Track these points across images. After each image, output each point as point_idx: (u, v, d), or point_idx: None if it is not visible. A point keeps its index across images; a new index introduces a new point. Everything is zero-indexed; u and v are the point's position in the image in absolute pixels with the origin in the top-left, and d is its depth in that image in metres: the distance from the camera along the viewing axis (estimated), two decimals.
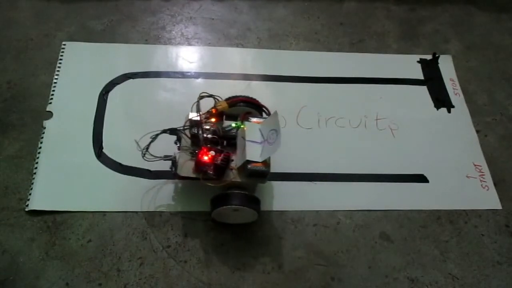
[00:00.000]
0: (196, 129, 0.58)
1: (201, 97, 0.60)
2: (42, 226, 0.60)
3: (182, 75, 0.76)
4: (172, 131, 0.59)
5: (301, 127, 0.73)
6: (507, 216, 0.66)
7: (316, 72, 0.79)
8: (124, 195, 0.63)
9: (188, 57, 0.79)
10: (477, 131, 0.75)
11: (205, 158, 0.55)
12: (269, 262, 0.60)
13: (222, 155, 0.56)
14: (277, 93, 0.76)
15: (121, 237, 0.60)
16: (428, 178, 0.69)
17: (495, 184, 0.69)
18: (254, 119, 0.60)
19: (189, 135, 0.58)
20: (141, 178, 0.64)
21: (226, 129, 0.60)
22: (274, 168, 0.67)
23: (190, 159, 0.57)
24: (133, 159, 0.66)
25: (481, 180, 0.70)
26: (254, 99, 0.64)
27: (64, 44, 0.77)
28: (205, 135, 0.58)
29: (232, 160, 0.58)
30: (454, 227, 0.65)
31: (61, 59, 0.75)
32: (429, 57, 0.84)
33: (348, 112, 0.75)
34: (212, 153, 0.56)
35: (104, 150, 0.66)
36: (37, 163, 0.64)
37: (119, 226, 0.60)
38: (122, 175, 0.64)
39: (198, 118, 0.58)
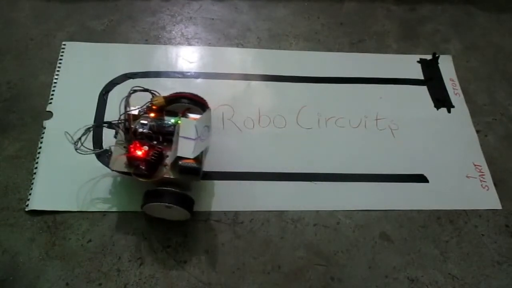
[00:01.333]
0: (129, 124, 0.57)
1: (133, 91, 0.59)
2: (42, 226, 0.60)
3: (182, 75, 0.76)
4: (109, 125, 0.58)
5: (301, 127, 0.73)
6: (507, 216, 0.66)
7: (316, 72, 0.79)
8: (124, 195, 0.63)
9: (188, 57, 0.79)
10: (477, 131, 0.75)
11: (138, 152, 0.55)
12: (269, 262, 0.60)
13: (153, 150, 0.55)
14: (277, 93, 0.76)
15: (121, 237, 0.60)
16: (428, 178, 0.69)
17: (495, 184, 0.69)
18: (191, 115, 0.60)
19: (123, 129, 0.58)
20: (141, 178, 0.64)
21: (164, 124, 0.59)
22: (274, 168, 0.67)
23: (124, 153, 0.57)
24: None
25: (481, 180, 0.70)
26: (195, 96, 0.62)
27: (64, 44, 0.77)
28: (140, 130, 0.57)
29: (167, 156, 0.57)
30: (454, 227, 0.65)
31: (61, 59, 0.75)
32: (429, 57, 0.84)
33: (348, 112, 0.75)
34: (145, 148, 0.55)
35: None
36: (37, 163, 0.64)
37: (119, 226, 0.61)
38: (122, 175, 0.64)
39: (135, 113, 0.58)
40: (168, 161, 0.57)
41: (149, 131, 0.58)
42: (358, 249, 0.62)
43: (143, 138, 0.57)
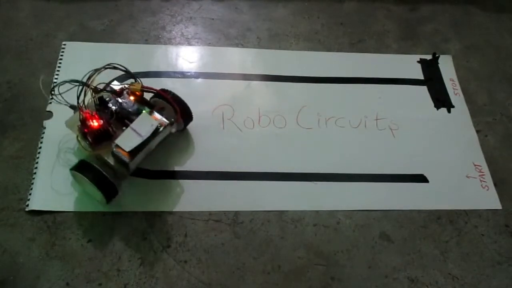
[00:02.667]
0: (107, 97, 0.59)
1: (113, 67, 0.60)
2: (42, 226, 0.60)
3: (182, 75, 0.76)
4: (81, 84, 0.58)
5: (301, 127, 0.73)
6: (507, 216, 0.66)
7: (316, 72, 0.79)
8: (124, 195, 0.63)
9: (188, 57, 0.79)
10: (477, 131, 0.75)
11: (94, 123, 0.56)
12: (269, 262, 0.60)
13: (106, 127, 0.56)
14: (277, 93, 0.76)
15: (121, 237, 0.60)
16: (428, 178, 0.69)
17: (495, 184, 0.69)
18: (156, 114, 0.59)
19: (97, 97, 0.59)
20: (141, 178, 0.64)
21: (130, 109, 0.60)
22: (274, 168, 0.67)
23: (81, 117, 0.58)
24: None
25: (481, 180, 0.70)
26: (169, 95, 0.62)
27: (64, 44, 0.77)
28: (110, 105, 0.59)
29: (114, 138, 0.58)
30: (454, 227, 0.65)
31: (61, 59, 0.75)
32: (429, 57, 0.84)
33: (348, 112, 0.75)
34: (101, 122, 0.56)
35: None
36: (37, 163, 0.64)
37: (119, 226, 0.61)
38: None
39: (116, 88, 0.60)
40: (112, 144, 0.57)
41: (116, 109, 0.59)
42: (358, 249, 0.62)
43: (108, 114, 0.58)
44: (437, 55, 0.84)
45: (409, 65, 0.83)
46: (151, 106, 0.61)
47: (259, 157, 0.68)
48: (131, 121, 0.58)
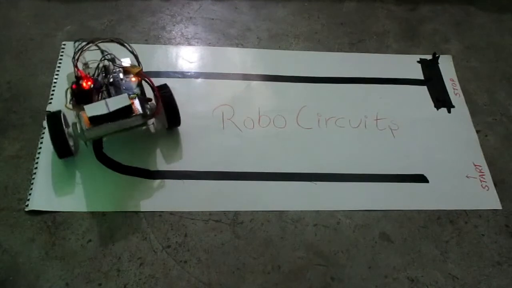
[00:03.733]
0: (113, 69, 0.63)
1: (120, 43, 0.63)
2: (42, 226, 0.60)
3: (182, 75, 0.76)
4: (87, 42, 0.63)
5: (301, 127, 0.73)
6: (507, 216, 0.66)
7: (316, 72, 0.79)
8: (124, 195, 0.63)
9: (188, 57, 0.79)
10: (477, 131, 0.75)
11: (83, 82, 0.59)
12: (269, 262, 0.60)
13: (89, 90, 0.59)
14: (277, 93, 0.76)
15: (121, 237, 0.60)
16: (428, 178, 0.69)
17: (495, 184, 0.69)
18: (136, 101, 0.60)
19: (103, 64, 0.63)
20: (141, 178, 0.64)
21: (122, 86, 0.62)
22: (274, 168, 0.67)
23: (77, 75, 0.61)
24: (133, 159, 0.66)
25: (481, 180, 0.70)
26: (161, 92, 0.63)
27: (64, 44, 0.77)
28: (110, 77, 0.62)
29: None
30: (454, 227, 0.65)
31: (61, 59, 0.75)
32: (429, 57, 0.84)
33: (348, 112, 0.75)
34: (90, 85, 0.59)
35: (104, 150, 0.66)
36: (37, 163, 0.64)
37: (119, 226, 0.61)
38: (122, 175, 0.64)
39: (126, 65, 0.64)
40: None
41: (110, 82, 0.62)
42: (358, 249, 0.62)
43: (102, 82, 0.61)
44: (437, 55, 0.84)
45: (409, 65, 0.83)
46: (143, 95, 0.62)
47: (259, 157, 0.68)
48: (112, 89, 0.61)
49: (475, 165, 0.71)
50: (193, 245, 0.60)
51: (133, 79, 0.63)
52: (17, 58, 0.75)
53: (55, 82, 0.73)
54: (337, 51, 0.83)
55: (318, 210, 0.64)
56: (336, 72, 0.80)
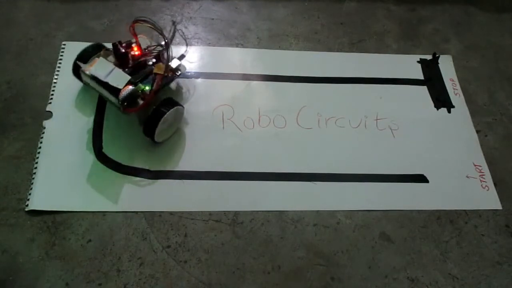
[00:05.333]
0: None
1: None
2: (42, 226, 0.60)
3: (182, 75, 0.76)
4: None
5: (301, 127, 0.73)
6: (507, 216, 0.66)
7: (316, 72, 0.79)
8: (124, 195, 0.63)
9: (188, 57, 0.79)
10: (477, 131, 0.75)
11: (134, 51, 0.64)
12: (269, 262, 0.60)
13: (125, 54, 0.63)
14: (277, 93, 0.76)
15: (121, 237, 0.60)
16: (428, 178, 0.69)
17: (495, 184, 0.69)
18: (129, 87, 0.61)
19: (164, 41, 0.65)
20: (141, 178, 0.64)
21: (144, 69, 0.65)
22: (274, 168, 0.68)
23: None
24: (133, 159, 0.66)
25: (481, 180, 0.70)
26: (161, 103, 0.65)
27: (64, 44, 0.77)
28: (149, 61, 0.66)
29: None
30: (454, 227, 0.65)
31: (61, 59, 0.75)
32: (429, 57, 0.84)
33: (348, 112, 0.75)
34: (136, 50, 0.64)
35: (104, 150, 0.66)
36: (37, 163, 0.64)
37: (119, 226, 0.61)
38: (122, 175, 0.64)
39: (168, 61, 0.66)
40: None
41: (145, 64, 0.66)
42: (358, 249, 0.62)
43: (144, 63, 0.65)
44: (437, 55, 0.84)
45: (409, 65, 0.83)
46: (150, 88, 0.63)
47: (259, 157, 0.68)
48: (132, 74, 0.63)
49: (475, 165, 0.71)
50: (193, 245, 0.60)
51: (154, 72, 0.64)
52: (17, 58, 0.75)
53: (55, 82, 0.73)
54: (337, 51, 0.83)
55: (318, 210, 0.64)
56: (336, 72, 0.80)
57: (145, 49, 0.66)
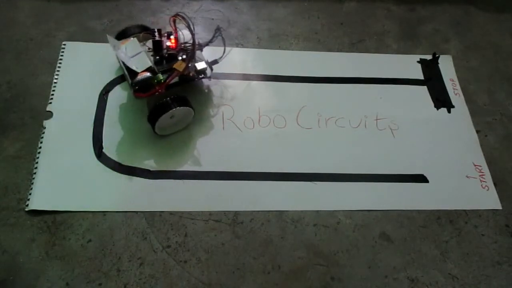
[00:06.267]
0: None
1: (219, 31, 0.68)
2: (42, 226, 0.60)
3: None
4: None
5: (301, 127, 0.73)
6: (507, 216, 0.66)
7: (316, 72, 0.79)
8: (124, 195, 0.63)
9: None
10: (477, 131, 0.75)
11: (170, 42, 0.65)
12: (269, 262, 0.60)
13: (159, 42, 0.64)
14: (277, 93, 0.76)
15: (121, 237, 0.60)
16: (428, 178, 0.69)
17: (495, 184, 0.69)
18: (145, 73, 0.62)
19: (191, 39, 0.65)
20: (141, 178, 0.64)
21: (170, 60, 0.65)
22: (274, 168, 0.68)
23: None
24: (133, 159, 0.66)
25: (481, 180, 0.70)
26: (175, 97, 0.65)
27: (64, 44, 0.77)
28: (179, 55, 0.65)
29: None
30: (454, 227, 0.65)
31: (61, 59, 0.75)
32: (429, 57, 0.84)
33: (348, 112, 0.75)
34: (172, 42, 0.65)
35: (104, 150, 0.66)
36: (37, 163, 0.64)
37: (119, 226, 0.61)
38: (122, 175, 0.64)
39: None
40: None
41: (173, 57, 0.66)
42: (358, 249, 0.62)
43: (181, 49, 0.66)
44: (437, 55, 0.84)
45: (409, 65, 0.83)
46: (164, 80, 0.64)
47: (259, 157, 0.68)
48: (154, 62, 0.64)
49: (475, 165, 0.71)
50: (193, 245, 0.60)
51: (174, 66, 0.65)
52: (17, 58, 0.75)
53: (55, 82, 0.73)
54: (337, 51, 0.83)
55: (318, 210, 0.64)
56: (336, 72, 0.80)
57: (181, 44, 0.66)
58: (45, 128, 0.68)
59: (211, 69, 0.69)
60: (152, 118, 0.64)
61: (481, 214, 0.66)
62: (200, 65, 0.67)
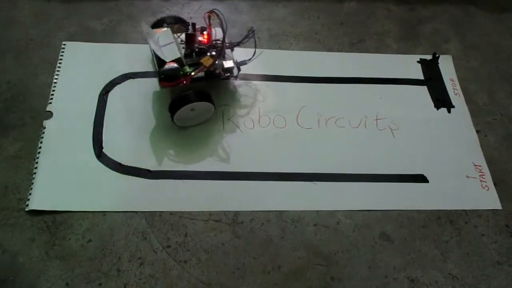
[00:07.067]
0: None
1: (251, 31, 0.68)
2: (42, 226, 0.60)
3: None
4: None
5: (301, 127, 0.73)
6: (507, 216, 0.66)
7: (316, 72, 0.79)
8: (124, 195, 0.63)
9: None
10: (477, 131, 0.75)
11: (202, 37, 0.66)
12: (269, 262, 0.60)
13: (192, 35, 0.65)
14: (277, 93, 0.76)
15: (121, 237, 0.60)
16: (428, 178, 0.69)
17: (495, 184, 0.69)
18: (172, 64, 0.63)
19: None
20: (141, 178, 0.64)
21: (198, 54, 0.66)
22: (274, 168, 0.68)
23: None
24: (133, 159, 0.66)
25: (481, 180, 0.70)
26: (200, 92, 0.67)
27: (64, 44, 0.77)
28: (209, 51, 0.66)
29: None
30: (454, 227, 0.65)
31: (61, 59, 0.75)
32: (429, 57, 0.84)
33: (348, 112, 0.75)
34: (204, 38, 0.66)
35: (104, 150, 0.66)
36: (37, 163, 0.64)
37: (119, 226, 0.61)
38: (122, 175, 0.64)
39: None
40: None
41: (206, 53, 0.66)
42: (358, 249, 0.62)
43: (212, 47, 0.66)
44: (437, 55, 0.84)
45: (409, 65, 0.83)
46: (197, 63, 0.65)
47: (259, 157, 0.68)
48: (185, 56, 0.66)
49: (475, 165, 0.71)
50: (193, 245, 0.60)
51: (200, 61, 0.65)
52: (17, 58, 0.75)
53: (55, 82, 0.73)
54: (337, 51, 0.83)
55: (318, 210, 0.64)
56: (336, 72, 0.80)
57: (213, 40, 0.66)
58: (45, 128, 0.68)
59: (239, 69, 0.70)
60: (173, 108, 0.65)
61: (481, 214, 0.66)
62: (228, 64, 0.68)
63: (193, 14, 0.85)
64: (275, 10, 0.88)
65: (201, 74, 0.65)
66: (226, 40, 0.66)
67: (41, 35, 0.79)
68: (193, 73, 0.63)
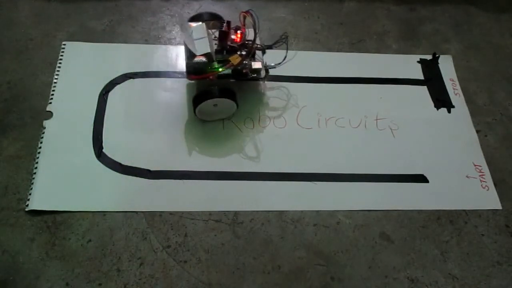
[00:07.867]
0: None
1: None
2: (42, 226, 0.60)
3: (182, 75, 0.76)
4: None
5: (301, 127, 0.73)
6: (507, 216, 0.66)
7: (316, 72, 0.79)
8: (124, 195, 0.63)
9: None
10: (477, 131, 0.75)
11: (235, 36, 0.66)
12: (269, 262, 0.60)
13: (226, 33, 0.65)
14: (277, 93, 0.76)
15: (121, 237, 0.60)
16: (428, 178, 0.69)
17: (495, 184, 0.69)
18: (202, 58, 0.64)
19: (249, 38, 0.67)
20: (141, 178, 0.64)
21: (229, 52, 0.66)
22: (274, 168, 0.68)
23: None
24: (133, 159, 0.66)
25: (481, 180, 0.70)
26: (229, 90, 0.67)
27: (64, 44, 0.77)
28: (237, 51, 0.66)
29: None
30: (454, 227, 0.65)
31: (61, 59, 0.75)
32: (429, 57, 0.84)
33: (348, 112, 0.75)
34: (237, 37, 0.66)
35: (104, 150, 0.66)
36: (37, 163, 0.64)
37: (119, 226, 0.61)
38: (122, 175, 0.64)
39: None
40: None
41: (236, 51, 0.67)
42: (358, 249, 0.62)
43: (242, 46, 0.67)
44: (437, 55, 0.84)
45: (409, 65, 0.83)
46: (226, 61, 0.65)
47: (259, 157, 0.68)
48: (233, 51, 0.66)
49: (475, 165, 0.71)
50: (193, 245, 0.60)
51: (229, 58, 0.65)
52: (17, 58, 0.75)
53: (55, 82, 0.73)
54: (337, 51, 0.83)
55: (318, 210, 0.64)
56: (336, 72, 0.80)
57: (246, 40, 0.67)
58: (45, 128, 0.68)
59: (267, 72, 0.70)
60: (196, 101, 0.65)
61: (481, 214, 0.66)
62: (256, 65, 0.68)
63: (193, 14, 0.85)
64: (275, 10, 0.88)
65: (229, 71, 0.66)
66: (258, 42, 0.67)
67: (41, 35, 0.79)
68: (220, 69, 0.64)
